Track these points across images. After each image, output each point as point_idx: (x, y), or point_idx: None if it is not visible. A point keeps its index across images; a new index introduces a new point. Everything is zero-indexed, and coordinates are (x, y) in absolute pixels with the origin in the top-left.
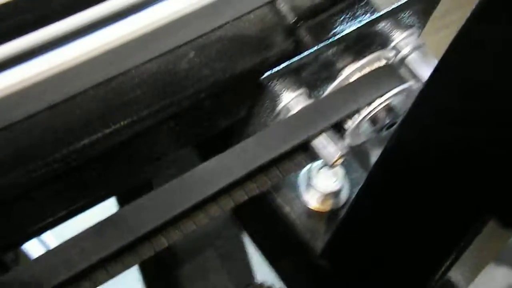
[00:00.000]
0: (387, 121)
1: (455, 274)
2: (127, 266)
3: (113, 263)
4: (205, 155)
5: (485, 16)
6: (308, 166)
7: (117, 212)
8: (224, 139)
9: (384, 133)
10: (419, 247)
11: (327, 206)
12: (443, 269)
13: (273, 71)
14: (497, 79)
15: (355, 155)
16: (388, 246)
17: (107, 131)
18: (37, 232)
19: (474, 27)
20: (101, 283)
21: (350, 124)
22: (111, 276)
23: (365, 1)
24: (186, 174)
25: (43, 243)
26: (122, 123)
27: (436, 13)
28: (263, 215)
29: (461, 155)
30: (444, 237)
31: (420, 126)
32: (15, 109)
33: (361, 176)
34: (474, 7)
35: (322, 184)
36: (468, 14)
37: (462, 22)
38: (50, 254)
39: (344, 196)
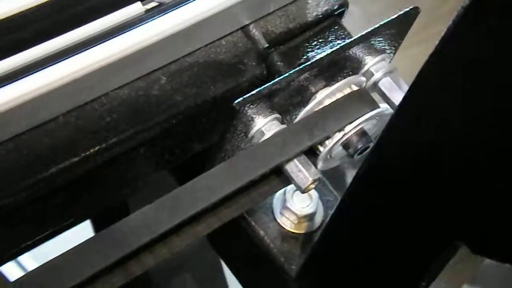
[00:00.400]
0: (360, 145)
1: None
2: None
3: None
4: (181, 177)
5: (455, 41)
6: (282, 190)
7: (87, 241)
8: (199, 161)
9: (357, 157)
10: (392, 270)
11: (301, 229)
12: None
13: (245, 97)
14: (467, 104)
15: (329, 178)
16: (361, 269)
17: (76, 159)
18: (14, 255)
19: (443, 53)
20: None
21: (322, 149)
22: None
23: (337, 27)
24: (158, 200)
25: (19, 264)
26: (91, 150)
27: (416, 25)
28: (237, 239)
29: (431, 181)
30: (416, 261)
31: (392, 152)
32: None
33: (335, 199)
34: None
35: (296, 206)
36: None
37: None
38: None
39: (318, 219)
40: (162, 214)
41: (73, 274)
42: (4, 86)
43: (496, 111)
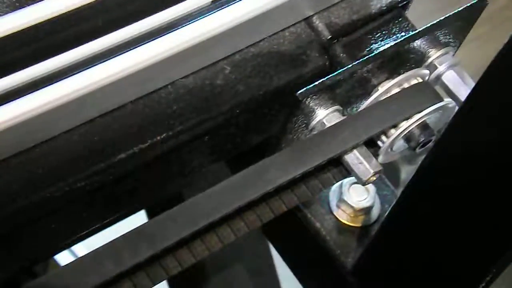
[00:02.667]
0: (422, 138)
1: None
2: (155, 281)
3: (140, 277)
4: (237, 170)
5: None
6: (339, 182)
7: (145, 224)
8: (256, 154)
9: (418, 151)
10: (452, 267)
11: (358, 223)
12: None
13: (307, 88)
14: None
15: (385, 172)
16: (419, 265)
17: (144, 145)
18: (70, 244)
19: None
20: None
21: (384, 141)
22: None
23: (401, 19)
24: (212, 188)
25: (72, 252)
26: (158, 138)
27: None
28: (293, 231)
29: (496, 179)
30: (476, 262)
31: (456, 147)
32: (55, 123)
33: (392, 193)
34: None
35: (353, 200)
36: (497, 26)
37: (491, 34)
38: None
39: (375, 213)
40: (218, 201)
41: (131, 254)
42: (76, 73)
43: None
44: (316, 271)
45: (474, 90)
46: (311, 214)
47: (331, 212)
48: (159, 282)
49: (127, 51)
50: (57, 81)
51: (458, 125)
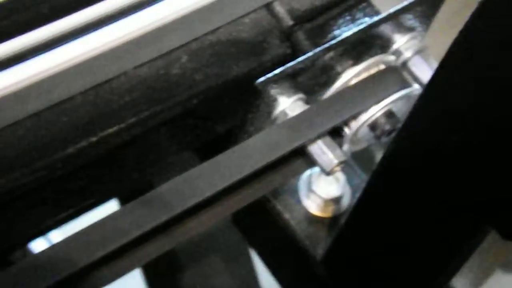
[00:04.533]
0: (388, 127)
1: (459, 283)
2: (127, 269)
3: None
4: (206, 158)
5: (484, 18)
6: (308, 171)
7: (116, 212)
8: (225, 141)
9: (384, 139)
10: (419, 255)
11: (328, 213)
12: (444, 277)
13: (268, 76)
14: (499, 81)
15: (357, 160)
16: (387, 254)
17: (94, 139)
18: (44, 232)
19: (473, 30)
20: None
21: (348, 130)
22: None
23: (365, 4)
24: (176, 178)
25: (49, 240)
26: (109, 130)
27: (446, 11)
28: (262, 222)
29: (461, 163)
30: (444, 245)
31: (419, 132)
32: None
33: (363, 182)
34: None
35: (323, 189)
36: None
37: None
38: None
39: (345, 202)
40: (182, 192)
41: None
42: (19, 63)
43: None
44: (286, 262)
45: (435, 74)
46: (280, 205)
47: (301, 203)
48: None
49: (75, 39)
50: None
51: (420, 110)
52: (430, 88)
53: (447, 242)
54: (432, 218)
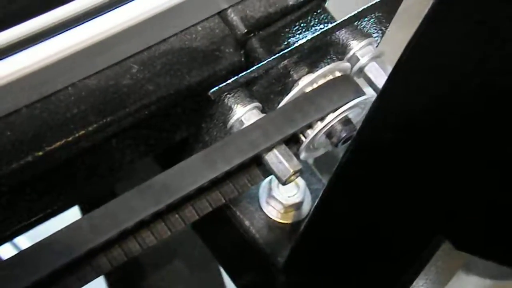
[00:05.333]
0: (344, 134)
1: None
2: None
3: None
4: (168, 165)
5: (437, 22)
6: (268, 178)
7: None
8: (183, 149)
9: (341, 147)
10: (377, 262)
11: (288, 219)
12: (401, 285)
13: (221, 86)
14: (453, 86)
15: (318, 166)
16: (346, 261)
17: (39, 154)
18: (9, 237)
19: (425, 35)
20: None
21: (304, 138)
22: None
23: (320, 10)
24: (135, 188)
25: (15, 245)
26: (56, 144)
27: (402, 17)
28: (222, 228)
29: (413, 172)
30: (400, 254)
31: (373, 138)
32: None
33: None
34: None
35: (283, 196)
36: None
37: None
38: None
39: (306, 208)
40: (138, 203)
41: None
42: None
43: (479, 93)
44: (247, 269)
45: (388, 81)
46: (240, 212)
47: (261, 209)
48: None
49: (21, 50)
50: None
51: (374, 116)
52: (383, 94)
53: (403, 250)
54: (387, 225)
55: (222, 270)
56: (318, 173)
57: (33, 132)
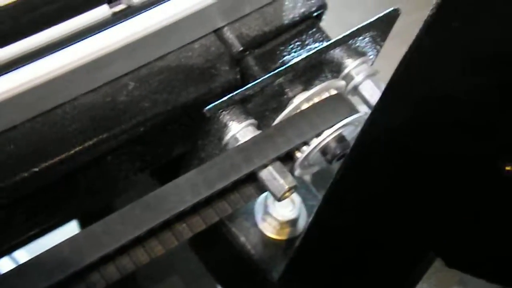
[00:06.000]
0: (338, 151)
1: None
2: None
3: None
4: (165, 180)
5: (428, 44)
6: (264, 194)
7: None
8: (180, 166)
9: (335, 163)
10: (370, 278)
11: (284, 235)
12: None
13: (216, 103)
14: (446, 104)
15: (314, 182)
16: (340, 276)
17: (40, 167)
18: (7, 251)
19: (417, 55)
20: None
21: (299, 155)
22: None
23: (315, 29)
24: (130, 204)
25: (14, 260)
26: (55, 159)
27: (396, 36)
28: (218, 245)
29: (406, 189)
30: (394, 269)
31: (366, 156)
32: None
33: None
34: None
35: (278, 212)
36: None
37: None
38: None
39: (301, 224)
40: (130, 221)
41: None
42: None
43: (472, 111)
44: (242, 285)
45: (381, 98)
46: (235, 228)
47: (256, 225)
48: None
49: (21, 66)
50: None
51: (367, 134)
52: (376, 112)
53: (396, 266)
54: (380, 242)
55: (217, 285)
56: (314, 189)
57: (31, 148)
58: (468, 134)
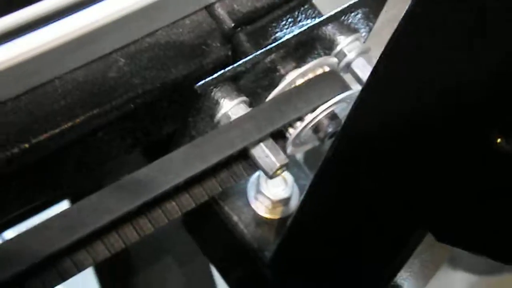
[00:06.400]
0: (330, 129)
1: (405, 282)
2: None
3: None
4: (153, 159)
5: (419, 17)
6: (257, 173)
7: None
8: (169, 144)
9: (327, 142)
10: (361, 255)
11: (276, 214)
12: (386, 276)
13: (206, 80)
14: (433, 81)
15: (306, 161)
16: (332, 254)
17: (26, 145)
18: None
19: (408, 30)
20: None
21: (291, 133)
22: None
23: (307, 5)
24: (120, 180)
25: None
26: (43, 136)
27: (389, 12)
28: (210, 224)
29: (396, 165)
30: (384, 246)
31: (358, 133)
32: None
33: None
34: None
35: (271, 191)
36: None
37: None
38: None
39: (294, 203)
40: (126, 194)
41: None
42: None
43: (456, 91)
44: (235, 264)
45: (372, 74)
46: (228, 207)
47: (249, 205)
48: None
49: (7, 41)
50: None
51: (358, 111)
52: (366, 89)
53: (387, 242)
54: (371, 219)
55: (211, 265)
56: (306, 168)
57: (20, 124)
58: (460, 107)
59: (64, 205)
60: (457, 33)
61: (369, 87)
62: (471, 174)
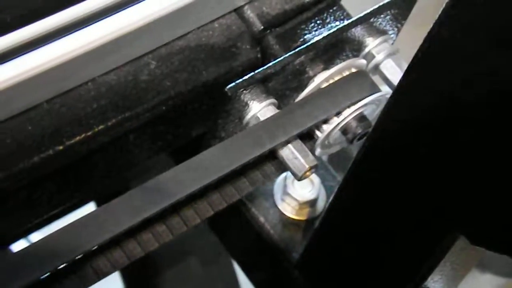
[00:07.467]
0: (359, 130)
1: (435, 285)
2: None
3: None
4: (181, 161)
5: (452, 19)
6: (284, 175)
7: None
8: (198, 146)
9: (356, 143)
10: (392, 258)
11: (303, 216)
12: (417, 280)
13: (237, 82)
14: (467, 83)
15: (332, 163)
16: (361, 257)
17: (60, 148)
18: (25, 233)
19: (441, 31)
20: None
21: (320, 134)
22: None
23: (336, 7)
24: (148, 181)
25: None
26: (76, 139)
27: (418, 14)
28: (237, 225)
29: (429, 168)
30: (416, 249)
31: (389, 135)
32: None
33: (339, 184)
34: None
35: (298, 192)
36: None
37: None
38: None
39: (320, 205)
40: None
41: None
42: None
43: (491, 91)
44: (261, 265)
45: (404, 77)
46: (255, 208)
47: (276, 206)
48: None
49: (42, 45)
50: None
51: (390, 113)
52: (399, 91)
53: (419, 245)
54: (403, 220)
55: (235, 266)
56: (332, 170)
57: (53, 127)
58: (500, 106)
59: (90, 206)
60: (494, 32)
61: (402, 87)
62: (507, 173)
